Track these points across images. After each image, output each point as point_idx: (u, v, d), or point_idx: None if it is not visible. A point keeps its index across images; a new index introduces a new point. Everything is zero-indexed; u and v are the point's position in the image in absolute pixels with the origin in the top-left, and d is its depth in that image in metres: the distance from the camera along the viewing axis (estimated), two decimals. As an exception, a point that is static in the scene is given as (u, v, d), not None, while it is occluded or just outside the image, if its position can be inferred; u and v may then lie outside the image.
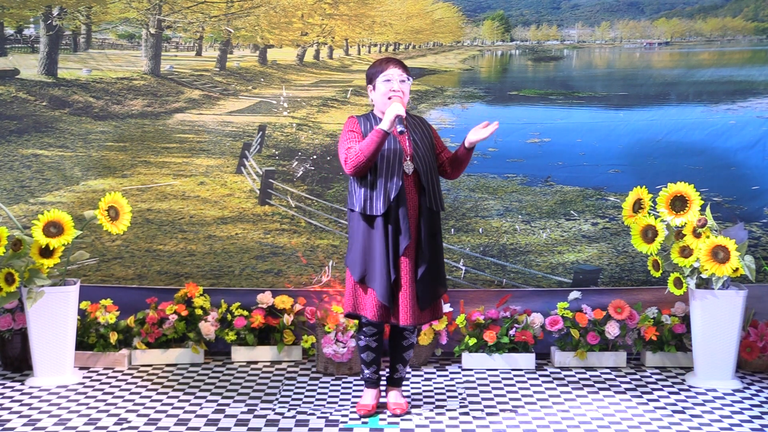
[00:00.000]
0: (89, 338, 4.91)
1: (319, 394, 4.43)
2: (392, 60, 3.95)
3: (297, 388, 4.54)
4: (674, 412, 4.12)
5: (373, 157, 3.79)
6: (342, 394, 4.44)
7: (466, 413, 4.12)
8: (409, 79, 3.94)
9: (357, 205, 3.89)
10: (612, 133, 5.25)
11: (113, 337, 4.87)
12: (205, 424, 3.94)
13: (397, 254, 3.86)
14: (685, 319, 4.90)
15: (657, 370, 4.86)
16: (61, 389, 4.49)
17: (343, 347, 4.71)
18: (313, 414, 4.10)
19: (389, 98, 3.86)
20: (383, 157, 3.86)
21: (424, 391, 4.50)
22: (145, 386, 4.54)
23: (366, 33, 5.33)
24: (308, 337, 5.03)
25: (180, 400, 4.30)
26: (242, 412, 4.11)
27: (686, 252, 4.43)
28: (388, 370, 4.21)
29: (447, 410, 4.17)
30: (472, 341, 4.87)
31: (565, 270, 5.23)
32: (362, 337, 4.07)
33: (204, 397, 4.35)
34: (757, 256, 4.93)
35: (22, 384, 4.58)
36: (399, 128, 3.72)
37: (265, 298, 5.05)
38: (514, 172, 5.29)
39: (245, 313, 5.02)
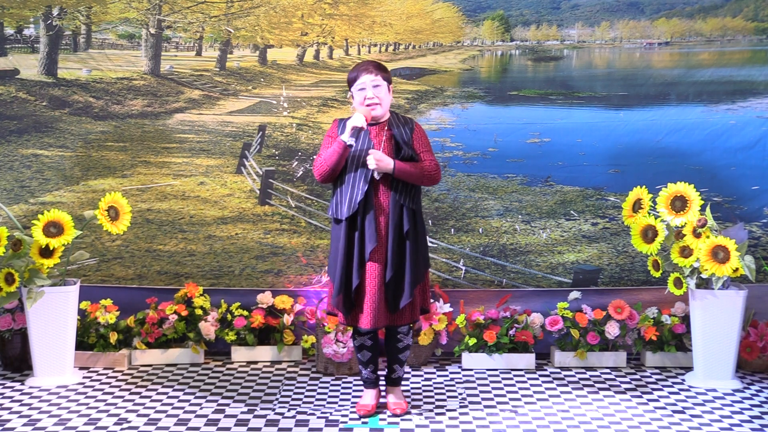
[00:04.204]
0: (89, 338, 4.91)
1: (319, 394, 4.44)
2: (365, 66, 3.96)
3: (297, 388, 4.54)
4: (674, 412, 4.12)
5: (336, 166, 3.86)
6: (342, 394, 4.45)
7: (466, 413, 4.12)
8: (385, 81, 3.94)
9: (330, 209, 3.97)
10: (612, 133, 5.25)
11: (113, 337, 4.87)
12: (205, 424, 3.95)
13: (362, 259, 3.86)
14: (685, 319, 4.90)
15: (657, 370, 4.86)
16: (61, 389, 4.49)
17: (343, 347, 4.71)
18: (313, 414, 4.10)
19: (367, 105, 3.90)
20: (353, 160, 3.90)
21: (424, 391, 4.50)
22: (145, 386, 4.54)
23: (366, 33, 5.33)
24: (308, 337, 5.03)
25: (180, 400, 4.30)
26: (242, 412, 4.12)
27: (686, 252, 4.43)
28: (386, 370, 4.21)
29: (447, 410, 4.17)
30: (472, 341, 4.87)
31: (565, 270, 5.23)
32: (356, 336, 4.07)
33: (204, 397, 4.35)
34: (757, 256, 4.93)
35: (22, 384, 4.58)
36: (350, 141, 3.81)
37: (265, 298, 5.05)
38: (514, 172, 5.29)
39: (245, 313, 5.02)
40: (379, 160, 3.82)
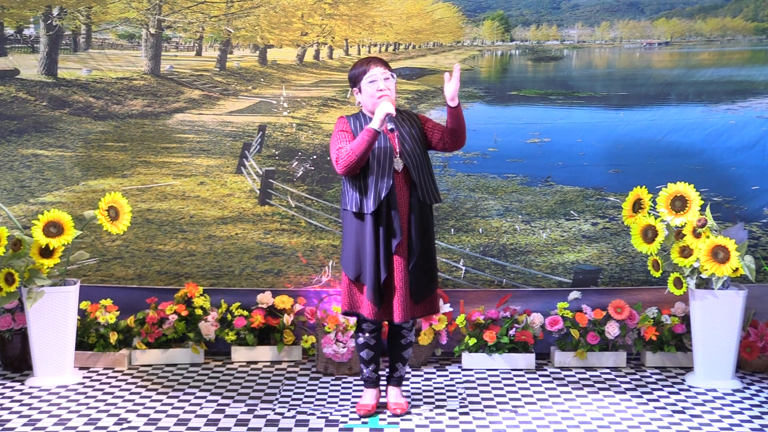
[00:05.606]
0: (89, 338, 4.91)
1: (319, 394, 4.44)
2: (372, 59, 3.95)
3: (297, 388, 4.54)
4: (674, 412, 4.13)
5: (364, 156, 3.80)
6: (342, 394, 4.45)
7: (466, 413, 4.12)
8: (393, 76, 3.93)
9: (350, 204, 3.91)
10: (612, 133, 5.25)
11: (113, 337, 4.87)
12: (205, 424, 3.95)
13: (389, 253, 3.86)
14: (685, 319, 4.90)
15: (657, 370, 4.86)
16: (61, 389, 4.49)
17: (343, 347, 4.71)
18: (313, 414, 4.10)
19: (379, 98, 3.85)
20: (374, 156, 3.87)
21: (424, 391, 4.50)
22: (145, 386, 4.54)
23: (366, 33, 5.33)
24: (308, 337, 5.03)
25: (180, 400, 4.30)
26: (242, 412, 4.12)
27: (686, 252, 4.43)
28: (387, 369, 4.21)
29: (447, 410, 4.17)
30: (472, 341, 4.87)
31: (565, 270, 5.23)
32: (360, 334, 4.07)
33: (204, 397, 4.35)
34: (757, 256, 4.93)
35: (22, 384, 4.58)
36: (389, 126, 3.75)
37: (265, 298, 5.05)
38: (514, 172, 5.29)
39: (245, 313, 5.02)
40: (456, 77, 3.78)
